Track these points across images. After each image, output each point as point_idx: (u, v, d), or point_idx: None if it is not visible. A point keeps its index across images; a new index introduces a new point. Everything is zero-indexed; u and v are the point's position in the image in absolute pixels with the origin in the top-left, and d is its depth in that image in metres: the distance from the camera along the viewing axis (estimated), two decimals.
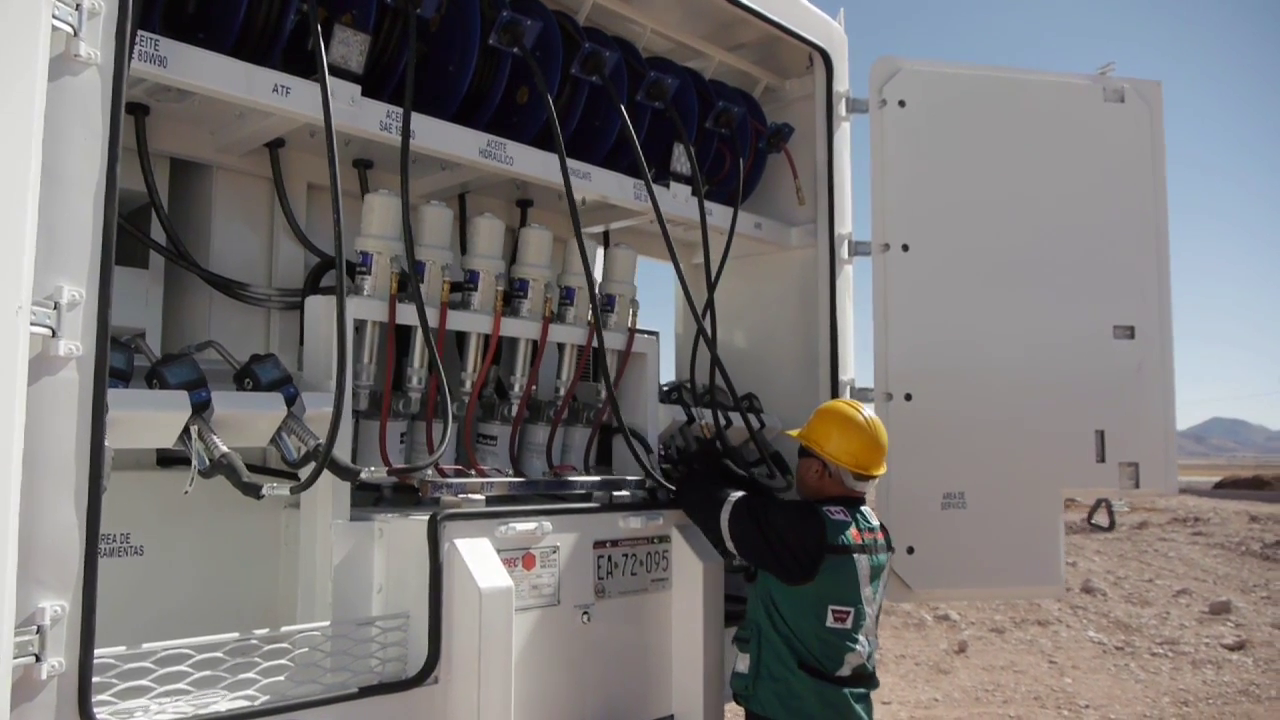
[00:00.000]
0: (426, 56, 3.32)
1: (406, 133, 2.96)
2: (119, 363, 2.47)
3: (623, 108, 3.60)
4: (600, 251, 4.38)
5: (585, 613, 3.17)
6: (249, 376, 2.74)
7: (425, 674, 2.70)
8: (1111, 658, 10.28)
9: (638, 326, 3.84)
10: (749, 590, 3.44)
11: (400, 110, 2.99)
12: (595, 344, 3.56)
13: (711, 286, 3.95)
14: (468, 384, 3.38)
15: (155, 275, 3.19)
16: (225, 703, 2.39)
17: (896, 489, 4.19)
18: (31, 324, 1.98)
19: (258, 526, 3.18)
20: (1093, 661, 10.10)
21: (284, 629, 2.61)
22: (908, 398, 4.30)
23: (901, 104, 4.43)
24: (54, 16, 2.02)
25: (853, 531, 3.23)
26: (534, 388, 3.56)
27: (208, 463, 2.57)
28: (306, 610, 2.95)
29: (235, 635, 2.47)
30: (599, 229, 4.52)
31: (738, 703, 3.37)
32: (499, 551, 2.89)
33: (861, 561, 3.22)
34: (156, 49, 2.49)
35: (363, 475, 2.75)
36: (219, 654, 2.41)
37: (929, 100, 4.47)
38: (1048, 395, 4.44)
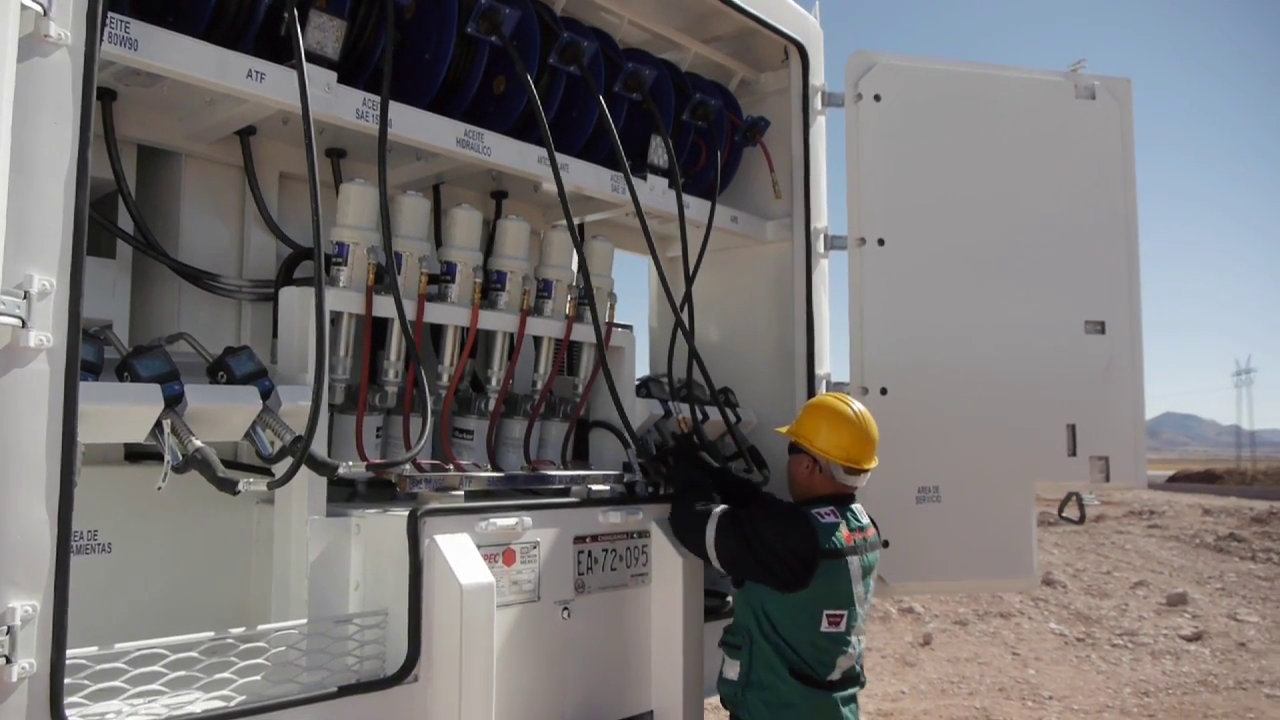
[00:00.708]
0: (402, 44, 3.26)
1: (384, 121, 2.91)
2: (89, 355, 2.38)
3: (601, 98, 3.56)
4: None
5: (565, 608, 3.14)
6: (223, 369, 2.67)
7: (405, 672, 2.65)
8: (1073, 649, 10.44)
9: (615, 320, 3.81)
10: (736, 596, 3.39)
11: (377, 98, 2.94)
12: (595, 340, 3.54)
13: (690, 280, 3.92)
14: (445, 378, 3.33)
15: (123, 265, 3.11)
16: (201, 703, 2.32)
17: (872, 483, 4.17)
18: (1, 314, 1.91)
19: (229, 523, 3.11)
20: (1055, 653, 10.25)
21: (260, 627, 2.54)
22: (883, 392, 4.31)
23: (877, 98, 4.43)
24: None
25: (844, 533, 3.21)
26: (510, 381, 3.52)
27: (181, 458, 2.51)
28: (280, 608, 2.89)
29: (210, 634, 2.40)
30: (574, 221, 4.47)
31: (725, 707, 3.34)
32: (479, 547, 2.84)
33: (853, 563, 3.20)
34: (127, 31, 2.42)
35: (341, 470, 2.70)
36: (194, 654, 2.34)
37: (904, 95, 4.48)
38: (1021, 389, 4.48)
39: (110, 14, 2.34)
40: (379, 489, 3.27)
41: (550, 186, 3.51)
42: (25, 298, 1.97)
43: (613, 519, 3.32)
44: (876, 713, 8.14)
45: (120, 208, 3.02)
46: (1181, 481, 39.58)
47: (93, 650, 2.17)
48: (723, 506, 3.31)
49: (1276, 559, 15.46)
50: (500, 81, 3.53)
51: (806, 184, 4.46)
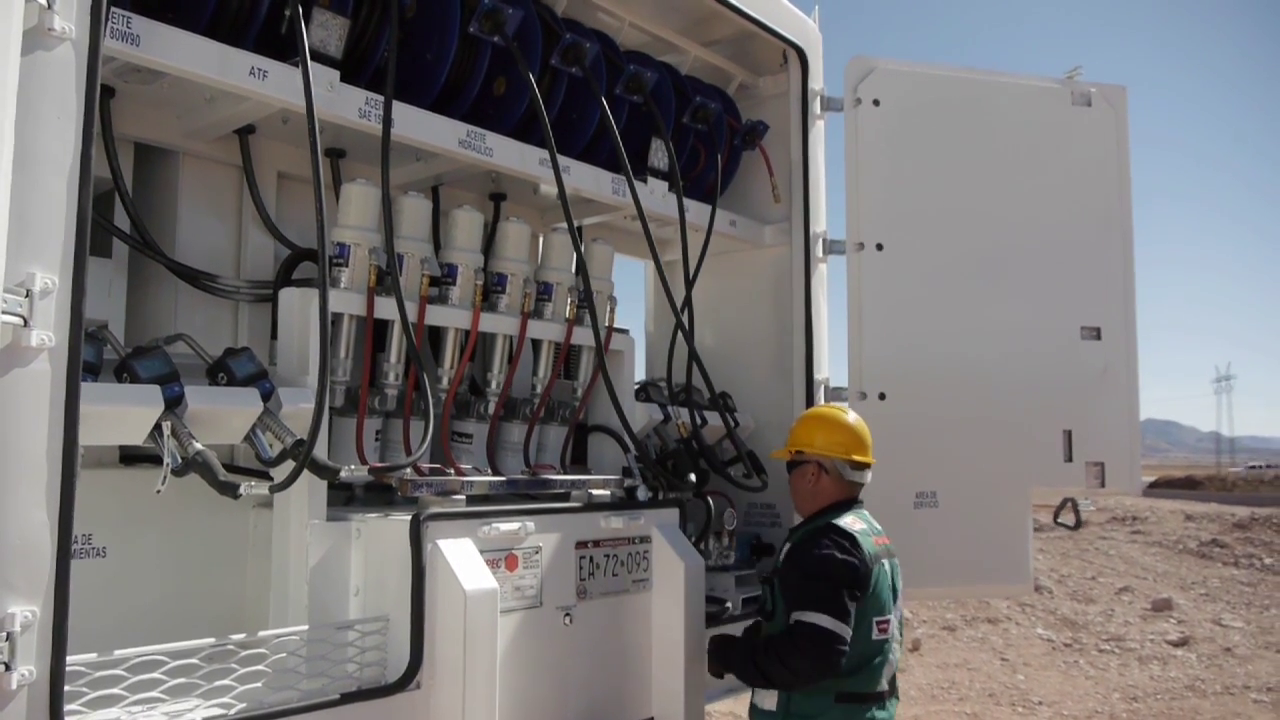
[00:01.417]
0: (403, 44, 3.23)
1: (388, 121, 2.88)
2: (89, 355, 2.33)
3: (603, 100, 3.54)
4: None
5: (567, 614, 3.10)
6: (223, 371, 2.63)
7: (408, 679, 2.61)
8: (1061, 654, 10.47)
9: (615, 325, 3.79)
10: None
11: (380, 98, 2.91)
12: (594, 342, 3.50)
13: (690, 283, 3.90)
14: (445, 381, 3.29)
15: (119, 265, 3.06)
16: (201, 711, 2.29)
17: (870, 487, 4.17)
18: (2, 313, 1.87)
19: (226, 527, 3.06)
20: (1043, 658, 10.28)
21: (260, 634, 2.50)
22: (881, 397, 4.30)
23: (876, 103, 4.44)
24: None
25: (874, 539, 3.21)
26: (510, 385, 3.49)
27: (180, 461, 2.46)
28: (279, 614, 2.84)
29: (210, 641, 2.36)
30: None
31: None
32: (481, 552, 2.81)
33: (888, 566, 3.20)
34: (129, 26, 2.38)
35: (342, 474, 2.66)
36: (194, 660, 2.30)
37: (903, 100, 4.48)
38: (1018, 395, 4.48)
39: (112, 8, 2.30)
40: (377, 493, 3.23)
41: (548, 189, 3.49)
42: (27, 296, 1.93)
43: (615, 524, 3.29)
44: None
45: (117, 206, 2.97)
46: (1163, 487, 39.83)
47: (92, 657, 2.13)
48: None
49: (1259, 565, 15.57)
50: (500, 83, 3.50)
51: (805, 188, 4.46)
